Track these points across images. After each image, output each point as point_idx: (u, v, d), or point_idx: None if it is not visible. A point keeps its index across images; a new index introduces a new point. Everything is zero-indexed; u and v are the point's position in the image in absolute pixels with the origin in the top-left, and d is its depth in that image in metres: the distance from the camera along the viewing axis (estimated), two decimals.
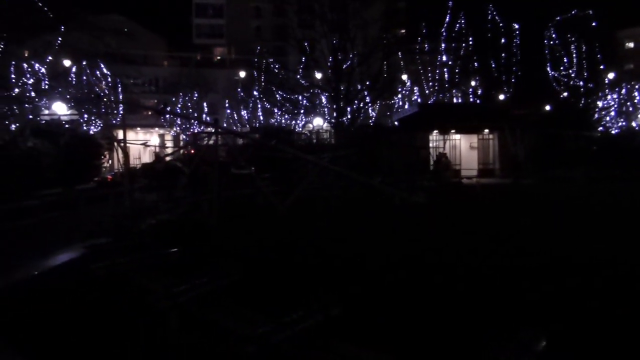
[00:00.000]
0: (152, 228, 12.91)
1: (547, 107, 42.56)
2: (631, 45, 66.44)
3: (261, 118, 47.53)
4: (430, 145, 32.91)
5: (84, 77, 38.10)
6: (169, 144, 51.48)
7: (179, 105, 51.47)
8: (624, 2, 56.84)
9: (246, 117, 49.90)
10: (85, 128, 35.81)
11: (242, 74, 50.86)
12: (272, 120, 45.24)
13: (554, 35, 44.34)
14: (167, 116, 51.59)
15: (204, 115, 51.44)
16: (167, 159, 31.69)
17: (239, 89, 50.39)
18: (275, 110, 44.45)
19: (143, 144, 39.89)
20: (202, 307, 5.47)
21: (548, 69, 44.76)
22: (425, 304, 5.73)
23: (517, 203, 17.72)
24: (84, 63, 36.79)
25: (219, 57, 66.77)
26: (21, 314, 6.61)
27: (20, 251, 11.76)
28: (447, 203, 17.61)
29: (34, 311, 6.58)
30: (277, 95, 42.64)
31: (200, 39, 67.81)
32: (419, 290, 6.20)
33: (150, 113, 52.60)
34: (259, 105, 47.47)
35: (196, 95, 51.99)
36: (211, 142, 19.89)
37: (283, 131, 38.06)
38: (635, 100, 41.29)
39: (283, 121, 44.02)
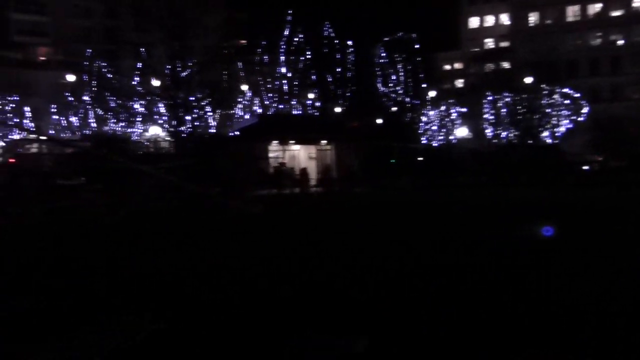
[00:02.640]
0: None
1: (378, 120, 45.72)
2: (448, 67, 74.22)
3: (93, 125, 44.32)
4: (270, 155, 33.44)
5: None
6: None
7: None
8: (441, 28, 63.25)
9: (76, 124, 46.21)
10: None
11: (71, 77, 47.06)
12: (106, 128, 42.41)
13: (383, 54, 47.85)
14: None
15: (26, 121, 46.66)
16: None
17: (67, 94, 46.53)
18: (109, 118, 41.77)
19: None
20: None
21: (379, 84, 48.14)
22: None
23: (352, 210, 18.63)
24: None
25: (43, 58, 61.18)
26: None
27: None
28: (287, 213, 17.94)
29: None
30: (111, 102, 40.19)
31: (21, 37, 61.57)
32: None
33: None
34: (90, 112, 44.27)
35: (16, 98, 46.95)
36: (33, 150, 18.08)
37: (117, 140, 35.99)
38: (453, 117, 45.97)
39: (118, 129, 41.51)
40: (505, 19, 74.83)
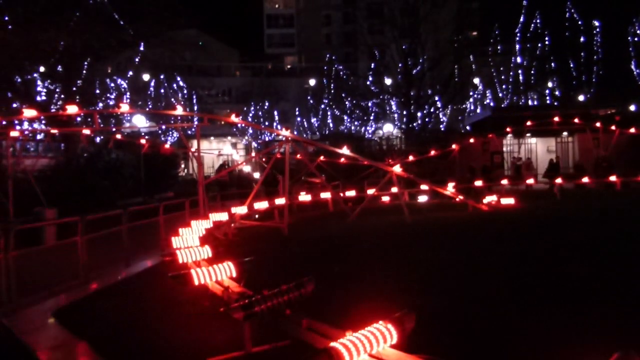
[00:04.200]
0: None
1: (632, 107, 40.16)
2: None
3: (331, 125, 47.80)
4: (504, 149, 31.84)
5: (162, 90, 39.86)
6: (241, 152, 52.68)
7: (251, 114, 52.63)
8: None
9: (316, 125, 50.37)
10: (162, 139, 37.41)
11: (312, 81, 51.45)
12: (342, 127, 45.40)
13: (639, 31, 41.90)
14: (240, 125, 52.83)
15: (275, 124, 52.35)
16: (239, 167, 32.39)
17: (309, 97, 50.95)
18: (345, 117, 44.65)
19: (221, 154, 41.12)
20: None
21: (632, 66, 42.30)
22: None
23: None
24: (162, 77, 38.52)
25: (289, 66, 67.81)
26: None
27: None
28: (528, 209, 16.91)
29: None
30: (347, 102, 42.86)
31: (272, 49, 69.10)
32: None
33: (223, 123, 54.13)
34: (329, 113, 47.81)
35: (267, 104, 52.97)
36: (282, 150, 20.22)
37: (353, 138, 38.14)
38: None
39: (353, 128, 44.11)
40: None
